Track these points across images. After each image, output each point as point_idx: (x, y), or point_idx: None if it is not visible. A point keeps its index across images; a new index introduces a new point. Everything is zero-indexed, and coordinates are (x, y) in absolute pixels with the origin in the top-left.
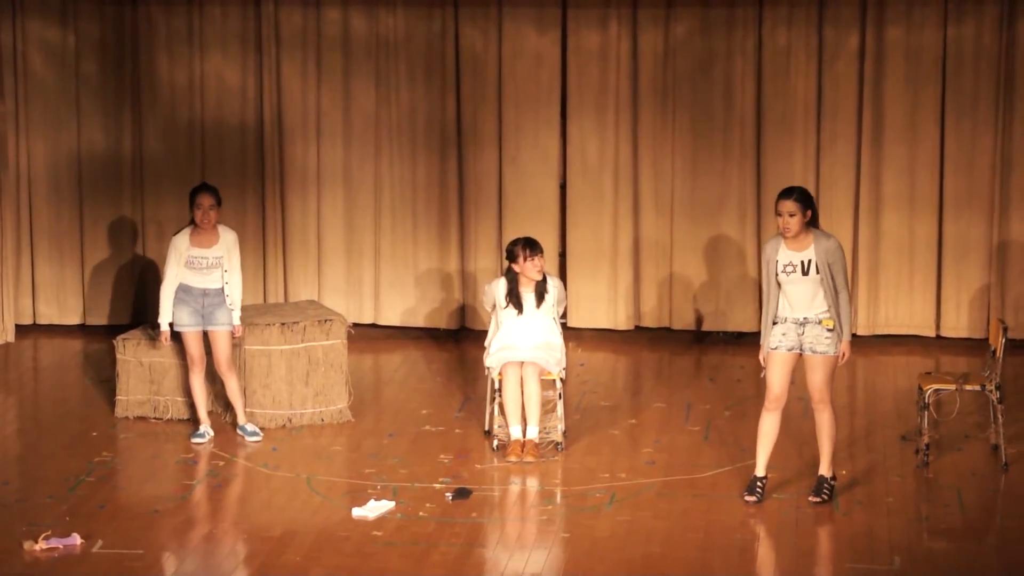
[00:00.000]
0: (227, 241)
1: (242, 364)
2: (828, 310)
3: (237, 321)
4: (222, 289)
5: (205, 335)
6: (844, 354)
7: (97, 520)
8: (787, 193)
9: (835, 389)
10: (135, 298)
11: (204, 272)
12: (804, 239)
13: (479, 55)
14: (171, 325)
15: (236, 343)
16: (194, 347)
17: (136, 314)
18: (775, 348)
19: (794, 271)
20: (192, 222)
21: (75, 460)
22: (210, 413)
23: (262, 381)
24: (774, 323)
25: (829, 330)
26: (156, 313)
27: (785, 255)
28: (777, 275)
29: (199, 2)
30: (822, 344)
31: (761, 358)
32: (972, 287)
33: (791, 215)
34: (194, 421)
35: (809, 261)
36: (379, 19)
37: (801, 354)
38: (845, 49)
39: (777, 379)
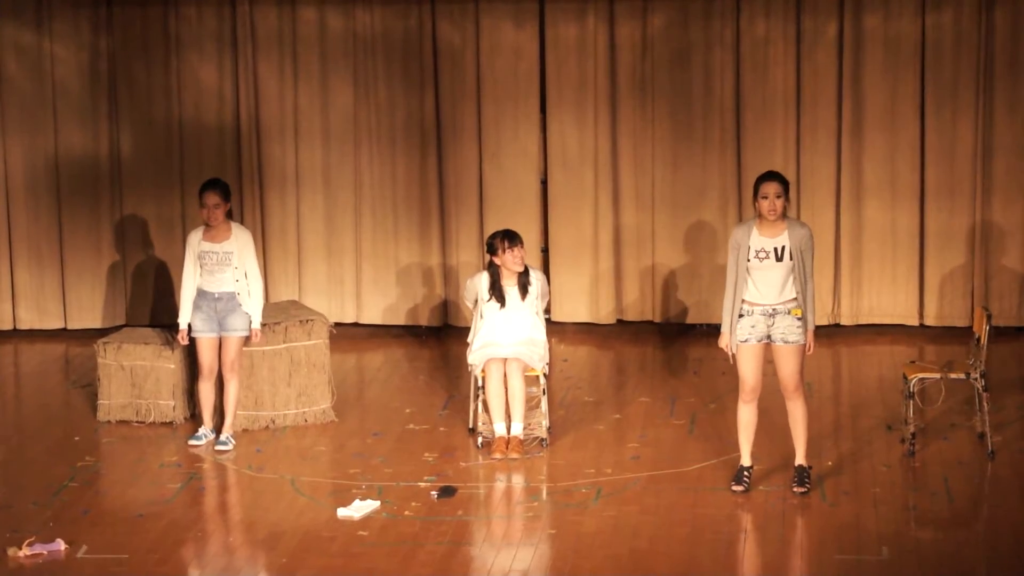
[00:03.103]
0: (239, 239)
1: None
2: (796, 298)
3: (257, 324)
4: (235, 293)
5: (221, 343)
6: (810, 345)
7: (81, 525)
8: (771, 175)
9: (820, 379)
10: (115, 301)
11: (215, 270)
12: (779, 225)
13: (457, 51)
14: (189, 327)
15: (256, 345)
16: (205, 354)
17: (117, 317)
18: (745, 341)
19: (767, 257)
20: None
21: (58, 465)
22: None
23: (244, 382)
24: (740, 315)
25: (799, 319)
26: (136, 316)
27: (758, 241)
28: (748, 261)
29: (175, 3)
30: (793, 334)
31: (724, 345)
32: (955, 275)
33: (778, 196)
34: (195, 422)
35: (783, 247)
36: (355, 17)
37: (770, 343)
38: (824, 38)
39: (750, 371)
